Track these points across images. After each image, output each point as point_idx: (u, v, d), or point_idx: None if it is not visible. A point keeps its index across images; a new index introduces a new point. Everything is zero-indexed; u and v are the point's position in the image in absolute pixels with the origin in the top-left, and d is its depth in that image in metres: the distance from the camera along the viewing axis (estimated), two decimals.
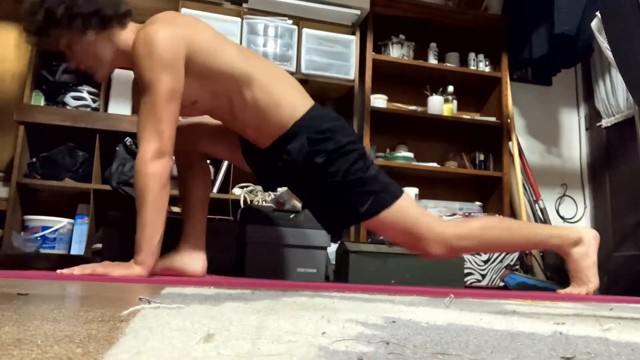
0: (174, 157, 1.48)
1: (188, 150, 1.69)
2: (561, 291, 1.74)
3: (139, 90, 1.42)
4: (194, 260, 1.64)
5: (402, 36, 3.42)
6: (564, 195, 3.79)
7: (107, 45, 1.50)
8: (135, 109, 2.86)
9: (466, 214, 2.93)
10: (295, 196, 1.95)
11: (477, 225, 1.62)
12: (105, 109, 2.80)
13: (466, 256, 2.77)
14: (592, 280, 1.66)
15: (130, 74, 2.87)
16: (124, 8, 1.54)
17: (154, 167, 1.37)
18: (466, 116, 3.51)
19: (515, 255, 2.92)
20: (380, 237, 2.31)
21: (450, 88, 3.42)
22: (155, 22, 1.47)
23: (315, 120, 1.53)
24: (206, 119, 1.71)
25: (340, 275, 2.23)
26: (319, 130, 1.52)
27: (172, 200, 2.70)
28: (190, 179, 1.72)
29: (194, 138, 1.70)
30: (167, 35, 1.40)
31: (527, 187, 3.47)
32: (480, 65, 3.53)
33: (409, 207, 1.54)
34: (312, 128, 1.52)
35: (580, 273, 1.67)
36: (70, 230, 2.71)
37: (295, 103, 1.54)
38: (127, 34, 1.52)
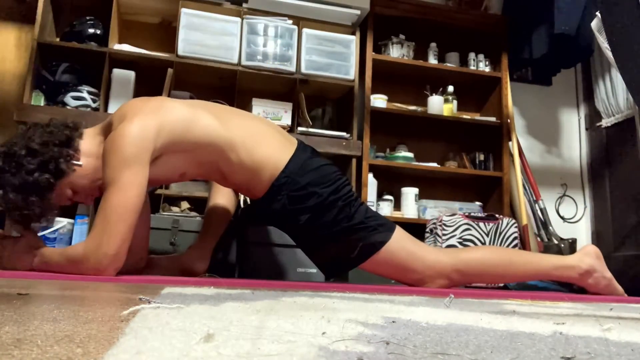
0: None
1: None
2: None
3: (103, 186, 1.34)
4: (196, 261, 1.70)
5: (402, 36, 3.42)
6: (564, 195, 3.79)
7: (84, 173, 1.40)
8: None
9: (466, 214, 2.94)
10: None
11: (476, 255, 1.61)
12: (105, 109, 2.80)
13: None
14: (618, 292, 1.66)
15: (130, 74, 2.88)
16: (68, 131, 1.41)
17: (95, 268, 1.28)
18: (466, 116, 3.51)
19: None
20: None
21: (450, 88, 3.42)
22: (124, 117, 1.38)
23: (295, 176, 1.52)
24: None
25: (340, 275, 2.22)
26: (299, 186, 1.51)
27: (173, 200, 2.71)
28: (220, 194, 1.81)
29: None
30: (135, 129, 1.32)
31: (527, 187, 3.47)
32: (480, 65, 3.53)
33: (402, 245, 1.55)
34: (292, 185, 1.51)
35: (603, 292, 1.64)
36: (70, 230, 2.70)
37: (278, 158, 1.52)
38: (89, 142, 1.43)
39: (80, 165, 1.39)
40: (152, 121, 1.36)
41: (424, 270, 1.53)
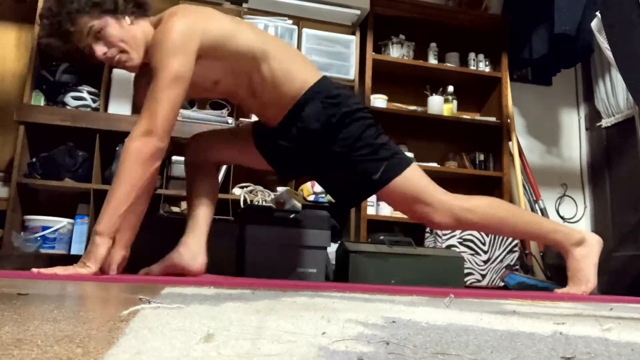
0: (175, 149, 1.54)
1: (199, 161, 1.76)
2: (558, 291, 1.74)
3: (151, 77, 1.44)
4: (193, 258, 1.64)
5: (402, 36, 3.42)
6: (564, 195, 3.79)
7: (140, 32, 1.53)
8: (136, 109, 2.86)
9: None
10: (297, 194, 1.96)
11: (483, 202, 1.68)
12: (105, 109, 2.80)
13: (466, 256, 2.77)
14: (591, 280, 1.66)
15: (130, 74, 2.88)
16: (148, 1, 1.60)
17: (137, 143, 1.38)
18: (466, 116, 3.51)
19: (515, 255, 2.92)
20: (381, 237, 2.31)
21: (450, 88, 3.42)
22: (173, 14, 1.50)
23: (326, 87, 1.59)
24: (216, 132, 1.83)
25: (340, 275, 2.23)
26: (331, 95, 1.57)
27: (172, 200, 2.71)
28: (199, 181, 1.75)
29: (207, 147, 1.76)
30: (183, 26, 1.45)
31: (527, 187, 3.47)
32: (480, 65, 3.53)
33: (418, 175, 1.60)
34: (325, 93, 1.57)
35: (579, 272, 1.67)
36: (70, 230, 2.71)
37: (307, 74, 1.60)
38: (148, 27, 1.56)
39: (128, 23, 1.51)
40: (201, 22, 1.48)
41: (434, 202, 1.57)
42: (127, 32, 1.50)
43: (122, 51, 1.51)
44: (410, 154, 3.31)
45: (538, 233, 1.72)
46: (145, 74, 1.52)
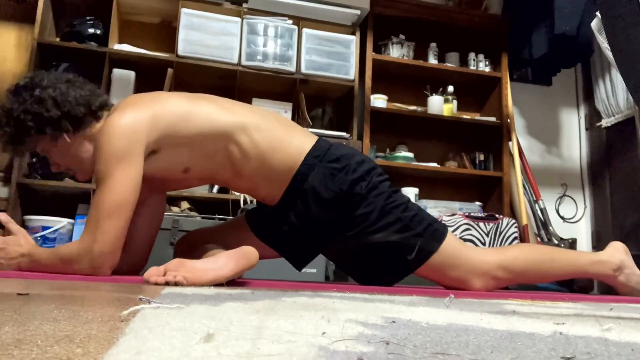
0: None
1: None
2: None
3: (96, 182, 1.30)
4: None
5: (402, 36, 3.42)
6: (564, 195, 3.79)
7: (84, 144, 1.39)
8: None
9: (466, 214, 2.93)
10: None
11: (521, 254, 1.52)
12: None
13: None
14: None
15: (130, 73, 2.88)
16: (99, 101, 1.41)
17: (85, 268, 1.24)
18: (466, 116, 3.51)
19: None
20: None
21: (450, 88, 3.42)
22: (115, 110, 1.36)
23: (326, 149, 1.40)
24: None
25: (340, 275, 2.22)
26: (335, 157, 1.38)
27: (173, 200, 2.71)
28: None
29: (199, 249, 1.47)
30: (124, 126, 1.27)
31: (527, 187, 3.47)
32: (480, 65, 3.53)
33: (454, 243, 1.44)
34: (328, 157, 1.38)
35: (634, 291, 1.57)
36: (70, 230, 2.70)
37: (302, 138, 1.41)
38: (92, 136, 1.39)
39: (67, 141, 1.36)
40: (145, 113, 1.29)
41: (470, 269, 1.43)
42: (65, 152, 1.38)
43: (68, 169, 1.44)
44: (410, 154, 3.32)
45: (578, 270, 1.56)
46: None
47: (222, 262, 1.19)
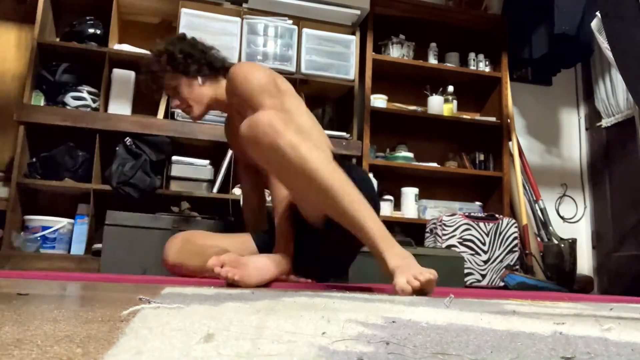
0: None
1: None
2: None
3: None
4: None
5: (402, 36, 3.42)
6: (564, 195, 3.79)
7: (209, 90, 1.75)
8: (136, 109, 2.86)
9: (466, 214, 2.94)
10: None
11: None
12: (105, 109, 2.80)
13: (466, 256, 2.77)
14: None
15: (130, 73, 2.88)
16: (228, 63, 1.79)
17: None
18: (466, 116, 3.51)
19: (515, 255, 2.92)
20: None
21: (450, 88, 3.42)
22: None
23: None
24: None
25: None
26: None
27: (173, 199, 2.71)
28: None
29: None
30: (264, 67, 1.62)
31: (527, 187, 3.47)
32: (480, 65, 3.53)
33: None
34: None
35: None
36: (70, 230, 2.71)
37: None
38: (220, 87, 1.75)
39: (199, 83, 1.73)
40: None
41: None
42: (196, 91, 1.73)
43: (189, 106, 1.75)
44: (410, 154, 3.32)
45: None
46: (233, 125, 1.71)
47: (262, 266, 1.32)
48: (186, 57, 1.72)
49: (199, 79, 1.73)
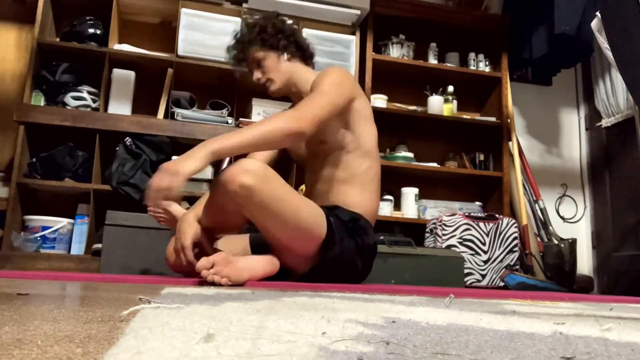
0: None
1: None
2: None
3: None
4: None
5: (402, 36, 3.42)
6: (564, 195, 3.79)
7: (292, 68, 1.78)
8: (136, 109, 2.86)
9: (466, 214, 2.93)
10: None
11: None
12: (105, 109, 2.80)
13: (466, 256, 2.77)
14: None
15: (130, 73, 2.88)
16: (312, 51, 1.85)
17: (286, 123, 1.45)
18: (466, 116, 3.51)
19: (515, 255, 2.92)
20: (381, 237, 2.31)
21: (450, 88, 3.42)
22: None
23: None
24: None
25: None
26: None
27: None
28: None
29: None
30: (349, 75, 1.72)
31: (527, 187, 3.47)
32: (480, 65, 3.53)
33: None
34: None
35: None
36: (70, 230, 2.71)
37: None
38: (307, 72, 1.80)
39: (285, 59, 1.77)
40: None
41: None
42: (280, 66, 1.76)
43: (269, 79, 1.76)
44: (410, 154, 3.32)
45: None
46: None
47: (253, 263, 1.39)
48: (278, 32, 1.77)
49: (285, 55, 1.78)
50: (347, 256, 1.56)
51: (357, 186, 1.72)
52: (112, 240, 2.11)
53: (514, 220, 2.99)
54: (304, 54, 1.82)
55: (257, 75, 1.79)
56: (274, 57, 1.77)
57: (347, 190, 1.70)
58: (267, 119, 1.47)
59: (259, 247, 1.68)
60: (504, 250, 2.89)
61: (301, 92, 1.75)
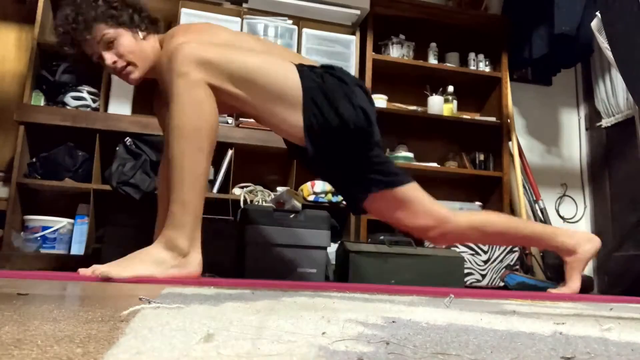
0: None
1: None
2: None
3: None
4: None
5: (402, 36, 3.42)
6: (564, 195, 3.79)
7: (150, 48, 1.54)
8: (136, 109, 2.86)
9: None
10: (297, 194, 1.91)
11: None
12: (105, 109, 2.81)
13: (466, 256, 2.77)
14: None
15: None
16: (157, 17, 1.61)
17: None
18: (466, 116, 3.51)
19: (515, 255, 2.92)
20: (381, 237, 2.31)
21: (450, 88, 3.42)
22: (175, 35, 1.51)
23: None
24: None
25: (340, 275, 2.23)
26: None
27: None
28: None
29: None
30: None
31: (527, 187, 3.47)
32: (480, 65, 3.53)
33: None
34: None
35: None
36: (70, 230, 2.71)
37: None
38: (157, 44, 1.57)
39: (141, 37, 1.52)
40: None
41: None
42: (138, 46, 1.51)
43: (130, 63, 1.51)
44: (410, 154, 3.32)
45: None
46: (163, 98, 1.53)
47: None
48: (127, 5, 1.51)
49: (141, 33, 1.52)
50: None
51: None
52: (112, 240, 2.12)
53: None
54: (156, 27, 1.58)
55: (111, 58, 1.49)
56: (128, 35, 1.50)
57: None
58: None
59: None
60: (504, 250, 2.89)
61: (163, 70, 1.41)
